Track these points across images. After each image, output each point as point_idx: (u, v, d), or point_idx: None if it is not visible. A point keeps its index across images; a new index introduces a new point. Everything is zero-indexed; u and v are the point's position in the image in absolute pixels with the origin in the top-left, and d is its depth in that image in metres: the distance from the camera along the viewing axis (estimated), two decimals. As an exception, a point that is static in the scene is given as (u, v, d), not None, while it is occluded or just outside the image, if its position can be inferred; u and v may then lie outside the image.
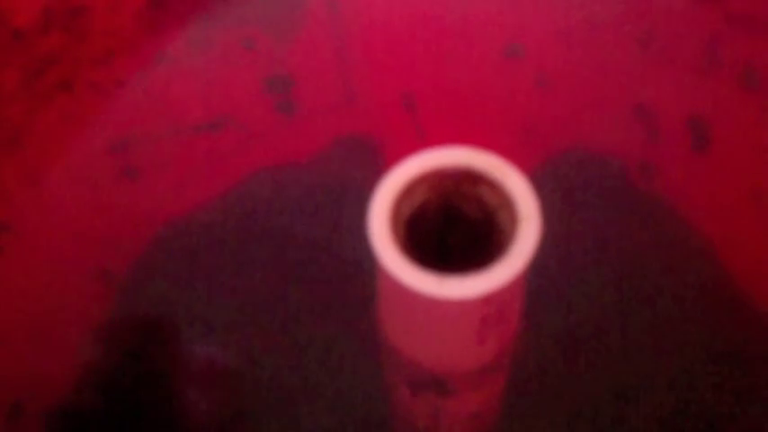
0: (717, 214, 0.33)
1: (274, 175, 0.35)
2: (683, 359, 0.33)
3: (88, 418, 0.32)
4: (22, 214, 0.31)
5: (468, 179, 0.21)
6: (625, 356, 0.34)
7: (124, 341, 0.34)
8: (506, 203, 0.21)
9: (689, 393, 0.33)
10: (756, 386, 0.32)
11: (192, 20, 0.31)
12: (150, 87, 0.32)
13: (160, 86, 0.32)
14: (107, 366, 0.33)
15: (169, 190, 0.34)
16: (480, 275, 0.20)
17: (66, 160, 0.31)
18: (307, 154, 0.34)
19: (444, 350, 0.23)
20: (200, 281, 0.35)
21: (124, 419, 0.32)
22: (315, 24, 0.32)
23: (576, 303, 0.34)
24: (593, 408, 0.33)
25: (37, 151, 0.30)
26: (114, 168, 0.32)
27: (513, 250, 0.20)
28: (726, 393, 0.32)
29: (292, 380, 0.35)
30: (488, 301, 0.20)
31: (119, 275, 0.33)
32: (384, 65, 0.33)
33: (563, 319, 0.33)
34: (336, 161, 0.34)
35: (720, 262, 0.33)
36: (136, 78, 0.31)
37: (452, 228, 0.22)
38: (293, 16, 0.32)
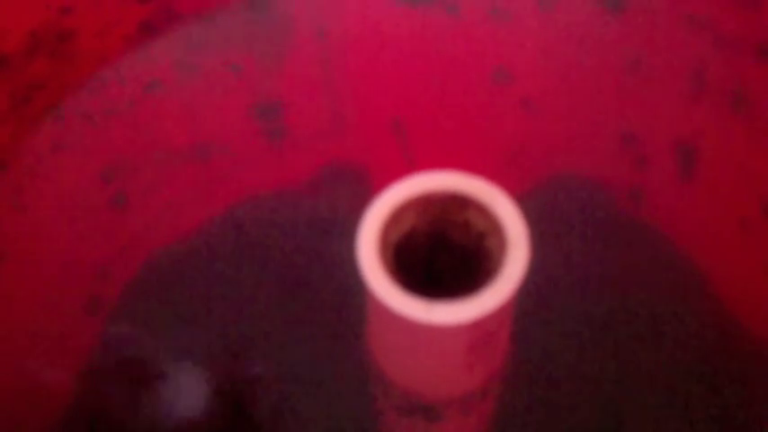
0: (705, 240, 0.33)
1: (263, 201, 0.34)
2: (673, 384, 0.33)
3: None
4: (10, 241, 0.31)
5: (457, 204, 0.21)
6: (615, 381, 0.33)
7: (114, 371, 0.34)
8: (495, 228, 0.21)
9: (680, 418, 0.32)
10: (747, 409, 0.32)
11: (181, 46, 0.31)
12: (138, 113, 0.32)
13: (148, 112, 0.32)
14: (97, 396, 0.33)
15: (158, 217, 0.34)
16: (469, 301, 0.20)
17: (54, 186, 0.31)
18: (295, 180, 0.34)
19: (433, 375, 0.23)
20: (189, 307, 0.35)
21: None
22: (303, 50, 0.32)
23: (565, 329, 0.34)
24: (584, 434, 0.33)
25: (25, 177, 0.30)
26: (103, 195, 0.32)
27: (502, 276, 0.20)
28: (716, 416, 0.32)
29: (281, 405, 0.35)
30: (477, 326, 0.20)
31: (108, 302, 0.33)
32: (372, 91, 0.33)
33: (552, 344, 0.33)
34: (325, 187, 0.34)
35: (709, 287, 0.33)
36: (124, 104, 0.31)
37: (441, 253, 0.22)
38: (281, 42, 0.32)
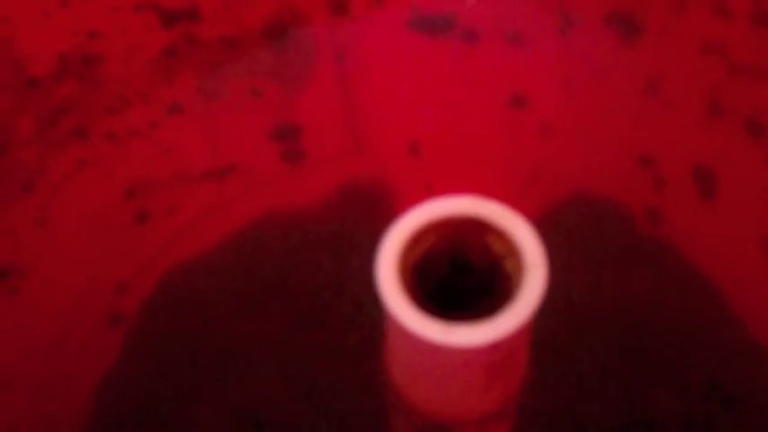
0: (724, 261, 0.33)
1: (282, 222, 0.35)
2: (691, 405, 0.33)
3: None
4: (34, 258, 0.31)
5: (475, 228, 0.21)
6: (632, 402, 0.33)
7: (134, 386, 0.34)
8: (513, 251, 0.21)
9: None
10: (765, 428, 0.32)
11: (203, 69, 0.32)
12: (161, 135, 0.32)
13: (171, 134, 0.32)
14: (117, 411, 0.33)
15: (177, 235, 0.34)
16: (487, 323, 0.20)
17: (78, 205, 0.32)
18: (314, 202, 0.35)
19: (450, 397, 0.23)
20: (208, 326, 0.35)
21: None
22: (322, 74, 0.32)
23: (583, 350, 0.34)
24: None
25: (50, 196, 0.31)
26: (125, 213, 0.33)
27: (520, 298, 0.20)
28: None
29: (298, 424, 0.35)
30: (495, 348, 0.21)
31: (128, 319, 0.34)
32: (390, 115, 0.34)
33: (570, 365, 0.33)
34: (343, 209, 0.35)
35: (729, 308, 0.33)
36: (148, 126, 0.32)
37: (459, 275, 0.22)
38: (301, 67, 0.32)
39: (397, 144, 0.34)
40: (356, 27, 0.32)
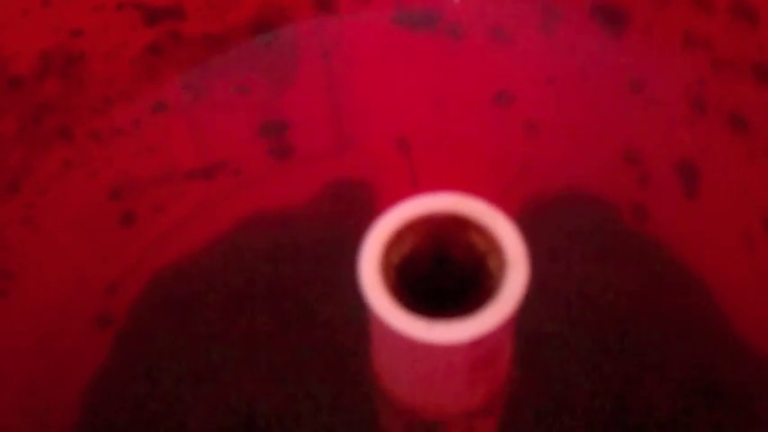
0: (709, 255, 0.33)
1: (269, 219, 0.35)
2: (677, 399, 0.33)
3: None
4: (21, 258, 0.31)
5: (458, 225, 0.21)
6: (619, 398, 0.34)
7: (123, 387, 0.34)
8: (495, 249, 0.21)
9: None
10: (750, 423, 0.32)
11: (188, 67, 0.31)
12: (147, 134, 0.32)
13: (156, 133, 0.32)
14: (106, 413, 0.33)
15: (165, 234, 0.34)
16: (470, 320, 0.20)
17: (64, 206, 0.32)
18: (301, 199, 0.35)
19: (436, 393, 0.23)
20: (196, 326, 0.35)
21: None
22: (308, 71, 0.32)
23: (568, 347, 0.34)
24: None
25: (35, 197, 0.31)
26: (112, 214, 0.33)
27: (502, 295, 0.20)
28: (720, 430, 0.32)
29: (288, 425, 0.35)
30: (478, 345, 0.21)
31: (117, 318, 0.34)
32: (376, 111, 0.34)
33: (555, 362, 0.33)
34: (330, 206, 0.35)
35: (713, 302, 0.33)
36: (133, 125, 0.32)
37: (442, 272, 0.22)
38: (287, 63, 0.32)
39: (384, 140, 0.34)
40: (341, 23, 0.32)
